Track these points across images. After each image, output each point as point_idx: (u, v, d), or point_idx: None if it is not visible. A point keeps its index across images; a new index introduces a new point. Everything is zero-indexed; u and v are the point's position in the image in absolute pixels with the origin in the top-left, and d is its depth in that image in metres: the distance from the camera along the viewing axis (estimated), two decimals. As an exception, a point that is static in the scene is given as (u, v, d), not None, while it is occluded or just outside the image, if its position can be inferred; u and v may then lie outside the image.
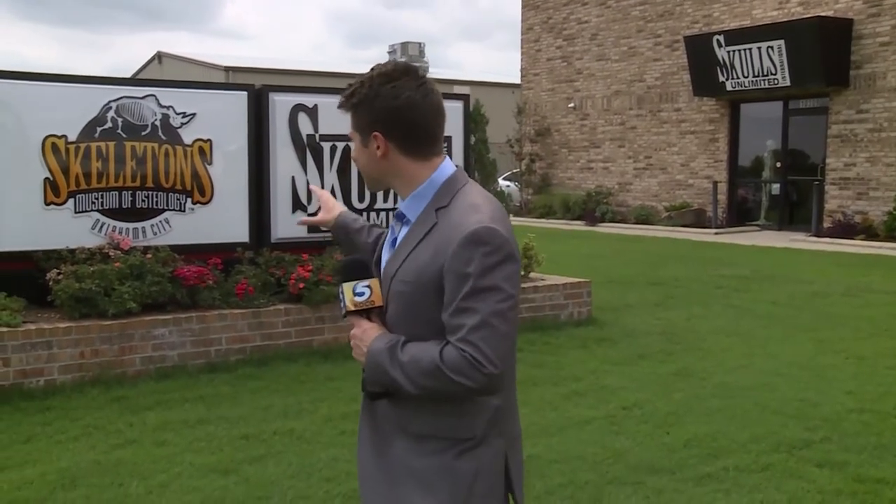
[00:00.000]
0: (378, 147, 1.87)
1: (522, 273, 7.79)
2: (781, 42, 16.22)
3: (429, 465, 1.87)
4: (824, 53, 15.83)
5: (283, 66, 36.05)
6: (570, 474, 4.19)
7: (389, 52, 34.07)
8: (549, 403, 5.39)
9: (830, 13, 16.17)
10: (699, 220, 18.37)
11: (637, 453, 4.48)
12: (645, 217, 19.03)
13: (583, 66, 21.59)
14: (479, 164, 8.01)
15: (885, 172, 15.71)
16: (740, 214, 18.56)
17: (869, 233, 15.16)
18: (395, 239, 1.90)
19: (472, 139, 7.67)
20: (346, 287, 1.85)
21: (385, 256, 1.95)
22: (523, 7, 23.25)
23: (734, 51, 17.14)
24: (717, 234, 17.01)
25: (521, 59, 23.37)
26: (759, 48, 16.71)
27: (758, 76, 16.92)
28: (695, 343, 7.07)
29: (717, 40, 17.43)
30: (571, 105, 21.85)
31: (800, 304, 8.90)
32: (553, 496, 3.95)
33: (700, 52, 17.86)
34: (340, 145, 7.01)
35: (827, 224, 16.17)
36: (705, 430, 4.82)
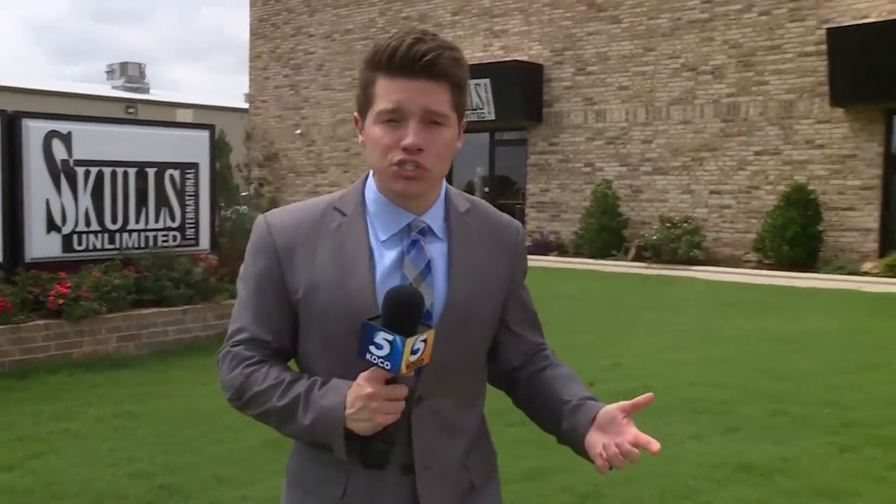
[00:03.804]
0: (460, 138, 1.57)
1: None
2: (487, 81, 18.32)
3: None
4: (523, 93, 18.12)
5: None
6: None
7: (108, 72, 33.07)
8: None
9: (525, 58, 18.51)
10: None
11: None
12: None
13: (309, 95, 22.69)
14: (223, 189, 8.72)
15: (572, 198, 18.22)
16: (455, 235, 20.47)
17: (561, 250, 17.56)
18: (429, 261, 1.52)
19: (217, 165, 8.39)
20: (409, 343, 1.36)
21: (404, 279, 1.51)
22: (252, 35, 23.93)
23: (448, 87, 19.04)
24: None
25: (250, 86, 24.02)
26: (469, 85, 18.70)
27: (468, 110, 18.82)
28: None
29: (434, 77, 19.24)
30: (299, 132, 22.86)
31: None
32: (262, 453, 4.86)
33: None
34: (94, 170, 7.45)
35: (528, 242, 18.43)
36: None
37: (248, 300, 1.57)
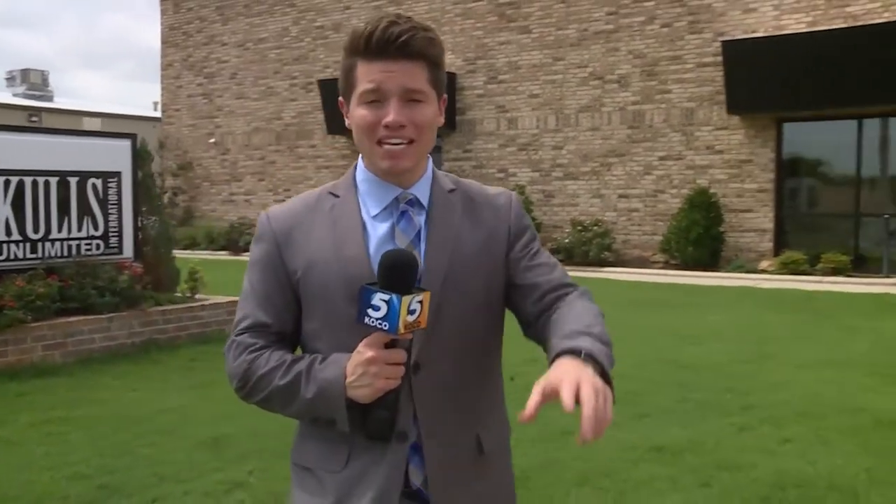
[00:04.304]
0: (441, 114, 1.63)
1: (189, 294, 8.73)
2: (401, 90, 18.60)
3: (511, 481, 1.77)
4: (436, 101, 18.48)
5: None
6: (257, 441, 5.31)
7: (8, 79, 32.10)
8: (228, 399, 6.42)
9: (440, 67, 18.90)
10: (336, 247, 20.21)
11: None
12: (287, 245, 20.44)
13: (223, 104, 22.59)
14: (147, 198, 8.77)
15: (487, 203, 18.66)
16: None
17: (477, 254, 17.97)
18: (419, 231, 1.60)
19: (140, 174, 8.46)
20: (405, 301, 1.40)
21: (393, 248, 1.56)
22: (163, 44, 23.68)
23: (362, 95, 19.28)
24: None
25: (162, 95, 23.75)
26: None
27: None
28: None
29: (347, 85, 19.47)
30: (213, 140, 22.72)
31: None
32: (248, 459, 5.05)
33: (332, 94, 19.70)
34: (14, 179, 7.44)
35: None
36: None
37: (250, 287, 1.65)
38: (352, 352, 1.50)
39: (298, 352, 1.67)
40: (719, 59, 15.43)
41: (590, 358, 1.35)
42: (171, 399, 6.34)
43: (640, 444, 5.02)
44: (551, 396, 1.27)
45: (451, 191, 1.67)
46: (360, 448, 1.56)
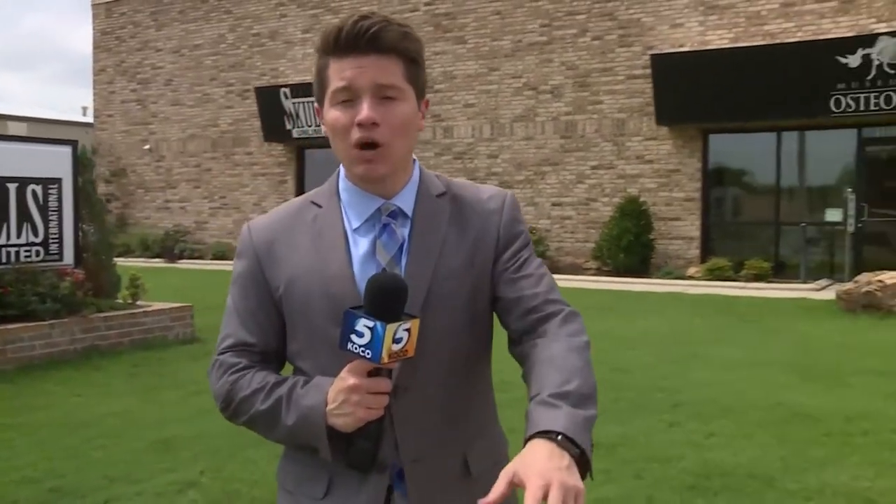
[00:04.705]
0: (422, 116, 1.54)
1: (130, 301, 8.75)
2: (339, 98, 18.73)
3: None
4: (373, 110, 18.67)
5: None
6: (206, 442, 5.43)
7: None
8: (175, 402, 6.53)
9: (377, 76, 19.08)
10: (273, 254, 20.19)
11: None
12: (222, 253, 20.34)
13: (158, 110, 22.38)
14: (87, 204, 8.76)
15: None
16: (309, 248, 20.74)
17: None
18: (402, 244, 1.51)
19: (80, 181, 8.46)
20: (390, 329, 1.33)
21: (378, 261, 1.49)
22: (95, 49, 23.35)
23: (299, 103, 19.35)
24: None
25: (94, 100, 23.41)
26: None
27: (320, 125, 19.24)
28: (286, 350, 8.62)
29: (284, 92, 19.52)
30: (147, 147, 22.49)
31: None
32: (199, 460, 5.17)
33: (269, 102, 19.79)
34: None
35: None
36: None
37: (232, 305, 1.58)
38: (335, 375, 1.41)
39: (287, 369, 1.61)
40: (648, 71, 15.95)
41: (566, 441, 1.21)
42: (116, 403, 6.40)
43: (576, 440, 5.30)
44: (519, 486, 1.16)
45: (441, 195, 1.56)
46: (342, 476, 1.48)
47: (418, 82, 1.50)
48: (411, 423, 1.48)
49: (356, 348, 1.34)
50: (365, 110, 1.42)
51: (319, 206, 1.56)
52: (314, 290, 1.47)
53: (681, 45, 16.00)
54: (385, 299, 1.34)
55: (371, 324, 1.32)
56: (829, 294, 12.32)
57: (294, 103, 19.39)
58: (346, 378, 1.38)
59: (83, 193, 8.47)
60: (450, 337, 1.50)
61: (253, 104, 20.40)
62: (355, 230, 1.52)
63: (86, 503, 4.41)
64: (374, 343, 1.32)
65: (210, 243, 21.16)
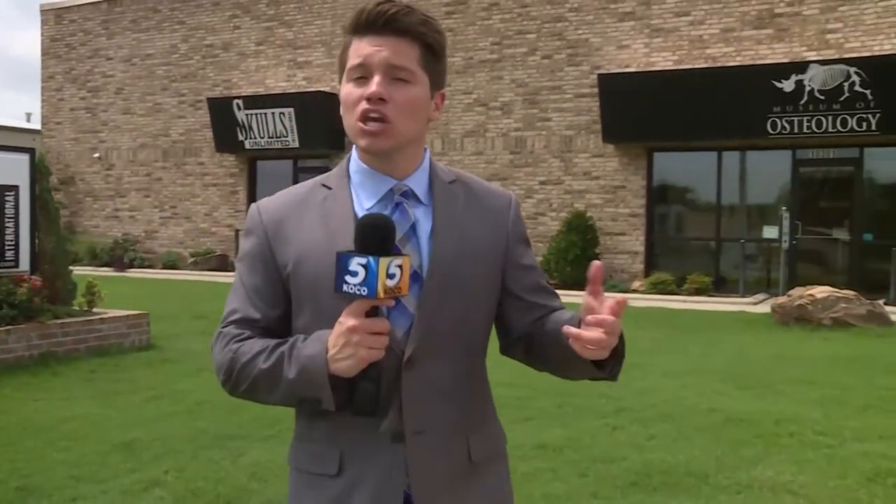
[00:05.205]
0: (436, 108, 1.62)
1: (86, 308, 8.83)
2: (292, 110, 18.91)
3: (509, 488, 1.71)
4: (325, 122, 18.86)
5: None
6: (168, 444, 5.59)
7: None
8: (136, 406, 6.66)
9: (328, 89, 19.29)
10: (222, 264, 20.17)
11: (217, 428, 6.03)
12: (172, 263, 20.30)
13: (108, 119, 22.27)
14: (44, 212, 8.81)
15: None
16: (259, 259, 20.73)
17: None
18: (414, 224, 1.56)
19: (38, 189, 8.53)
20: (383, 263, 1.37)
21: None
22: (44, 55, 23.14)
23: (252, 114, 19.46)
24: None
25: (42, 108, 23.19)
26: (272, 113, 19.24)
27: (272, 137, 19.43)
28: (242, 357, 8.76)
29: (237, 104, 19.61)
30: (96, 155, 22.34)
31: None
32: (162, 460, 5.33)
33: (221, 113, 19.85)
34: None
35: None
36: (266, 411, 6.53)
37: (239, 282, 1.62)
38: None
39: None
40: (596, 90, 16.43)
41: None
42: (76, 408, 6.50)
43: (525, 443, 5.57)
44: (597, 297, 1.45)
45: (452, 182, 1.63)
46: (353, 448, 1.52)
47: (434, 71, 1.57)
48: (419, 396, 1.52)
49: (351, 288, 1.38)
50: (373, 85, 1.48)
51: (329, 188, 1.61)
52: (323, 265, 1.49)
53: (627, 66, 16.52)
54: (375, 234, 1.39)
55: (364, 260, 1.37)
56: (766, 308, 12.84)
57: (247, 115, 19.49)
58: (345, 321, 1.41)
59: (40, 201, 8.53)
60: (465, 316, 1.56)
61: (205, 114, 20.44)
62: (367, 210, 1.55)
63: (53, 501, 4.53)
64: (369, 279, 1.36)
65: (160, 253, 21.09)
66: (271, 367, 1.50)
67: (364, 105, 1.49)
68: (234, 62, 20.63)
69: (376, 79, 1.48)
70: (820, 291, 11.34)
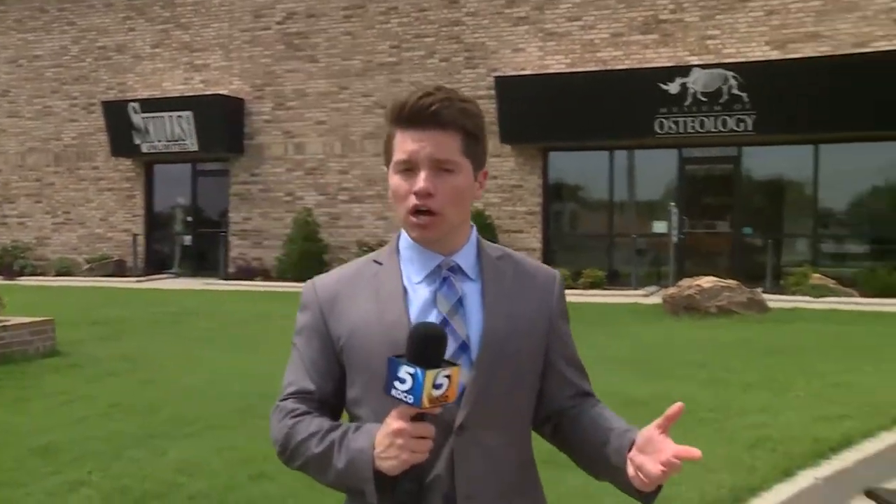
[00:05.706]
0: (479, 186, 1.69)
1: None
2: (190, 113, 18.70)
3: None
4: (224, 125, 18.76)
5: None
6: (87, 446, 5.64)
7: None
8: (48, 411, 6.64)
9: (226, 92, 19.16)
10: (120, 269, 19.75)
11: (134, 429, 6.10)
12: (66, 269, 19.75)
13: (-6, 122, 21.48)
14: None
15: (274, 225, 19.04)
16: (157, 264, 20.27)
17: (265, 275, 18.33)
18: (461, 298, 1.63)
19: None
20: (430, 375, 1.42)
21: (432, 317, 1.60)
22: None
23: (149, 117, 19.14)
24: (138, 281, 18.53)
25: (-79, 110, 22.15)
26: (170, 117, 18.97)
27: (170, 141, 19.15)
28: (152, 362, 8.70)
29: (133, 107, 19.25)
30: (-19, 160, 21.50)
31: (227, 329, 11.17)
32: (84, 462, 5.37)
33: (116, 116, 19.44)
34: None
35: (232, 269, 18.93)
36: (183, 411, 6.63)
37: (297, 354, 1.70)
38: None
39: (345, 418, 1.70)
40: (493, 92, 16.88)
41: None
42: (-15, 415, 6.45)
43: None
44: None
45: (499, 257, 1.72)
46: None
47: (476, 155, 1.64)
48: (470, 462, 1.57)
49: (399, 394, 1.43)
50: (421, 181, 1.57)
51: (380, 264, 1.69)
52: (375, 337, 1.58)
53: (522, 69, 17.05)
54: (425, 346, 1.43)
55: (412, 370, 1.42)
56: (657, 299, 13.52)
57: (143, 118, 19.17)
58: (391, 423, 1.47)
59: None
60: (514, 387, 1.63)
61: (99, 118, 19.97)
62: (416, 283, 1.64)
63: (-26, 507, 4.57)
64: (415, 388, 1.41)
65: (53, 259, 20.47)
66: (322, 454, 1.58)
67: (413, 200, 1.58)
68: (129, 65, 20.22)
69: (423, 174, 1.57)
70: (706, 282, 12.07)
